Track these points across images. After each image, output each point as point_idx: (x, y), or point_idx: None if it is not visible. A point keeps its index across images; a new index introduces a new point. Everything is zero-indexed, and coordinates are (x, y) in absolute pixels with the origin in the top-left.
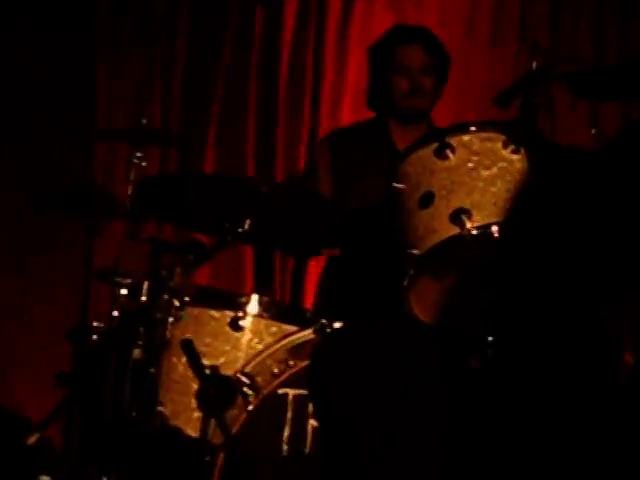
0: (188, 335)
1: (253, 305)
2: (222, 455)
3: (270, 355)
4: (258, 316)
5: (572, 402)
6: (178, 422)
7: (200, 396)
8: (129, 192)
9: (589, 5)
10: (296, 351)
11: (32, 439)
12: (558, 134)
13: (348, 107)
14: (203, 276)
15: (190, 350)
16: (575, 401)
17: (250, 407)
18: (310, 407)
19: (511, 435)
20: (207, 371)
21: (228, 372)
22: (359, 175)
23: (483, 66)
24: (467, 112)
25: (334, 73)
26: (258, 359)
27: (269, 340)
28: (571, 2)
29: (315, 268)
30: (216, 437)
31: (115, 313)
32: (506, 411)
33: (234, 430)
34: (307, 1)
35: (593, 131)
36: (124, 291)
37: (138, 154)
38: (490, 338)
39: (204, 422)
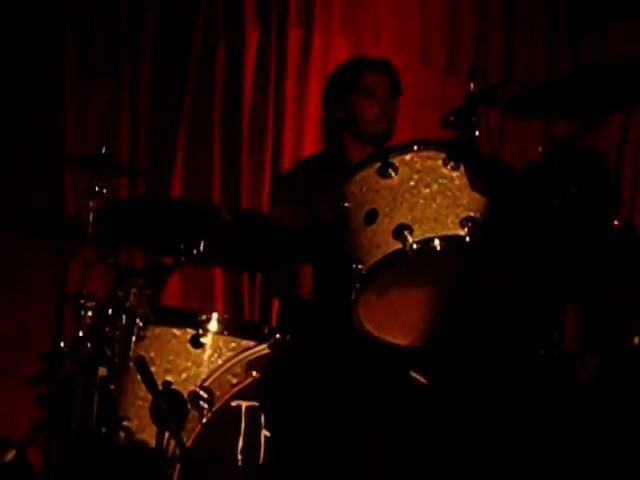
0: (152, 353)
1: (213, 323)
2: (178, 467)
3: (228, 369)
4: (218, 333)
5: (526, 411)
6: (144, 435)
7: (153, 410)
8: (90, 219)
9: (542, 28)
10: (253, 365)
11: (9, 456)
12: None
13: (310, 137)
14: (173, 297)
15: (142, 367)
16: (529, 410)
17: (204, 420)
18: (263, 418)
19: (463, 449)
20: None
21: (190, 387)
22: (318, 201)
23: (438, 93)
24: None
25: (295, 104)
26: (217, 373)
27: (228, 355)
28: (524, 27)
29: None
30: (175, 449)
31: (80, 334)
32: (458, 425)
33: (189, 442)
34: (267, 35)
35: (540, 148)
36: (89, 313)
37: (97, 182)
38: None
39: (159, 435)
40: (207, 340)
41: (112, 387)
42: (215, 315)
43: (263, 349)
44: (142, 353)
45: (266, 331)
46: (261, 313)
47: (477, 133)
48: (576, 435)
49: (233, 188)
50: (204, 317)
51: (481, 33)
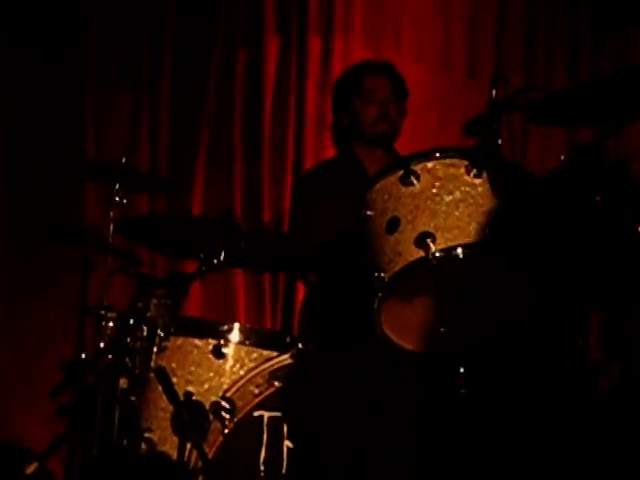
0: (173, 364)
1: (235, 333)
2: (201, 479)
3: (250, 379)
4: (240, 343)
5: (550, 421)
6: (166, 447)
7: (174, 421)
8: (111, 230)
9: (563, 35)
10: (275, 375)
11: (31, 468)
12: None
13: (331, 144)
14: (195, 307)
15: (163, 378)
16: (553, 420)
17: (226, 430)
18: (285, 428)
19: (485, 457)
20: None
21: (212, 398)
22: (337, 203)
23: (460, 99)
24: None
25: (316, 112)
26: (239, 384)
27: (250, 365)
28: (545, 33)
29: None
30: (197, 461)
31: (102, 345)
32: (481, 433)
33: (212, 453)
34: (288, 42)
35: (562, 157)
36: (110, 323)
37: (118, 193)
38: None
39: (181, 447)
40: (229, 350)
41: (133, 398)
42: (237, 325)
43: (285, 359)
44: (163, 364)
45: (288, 341)
46: (284, 322)
47: (500, 141)
48: (596, 444)
49: (254, 197)
50: (226, 327)
51: (502, 38)
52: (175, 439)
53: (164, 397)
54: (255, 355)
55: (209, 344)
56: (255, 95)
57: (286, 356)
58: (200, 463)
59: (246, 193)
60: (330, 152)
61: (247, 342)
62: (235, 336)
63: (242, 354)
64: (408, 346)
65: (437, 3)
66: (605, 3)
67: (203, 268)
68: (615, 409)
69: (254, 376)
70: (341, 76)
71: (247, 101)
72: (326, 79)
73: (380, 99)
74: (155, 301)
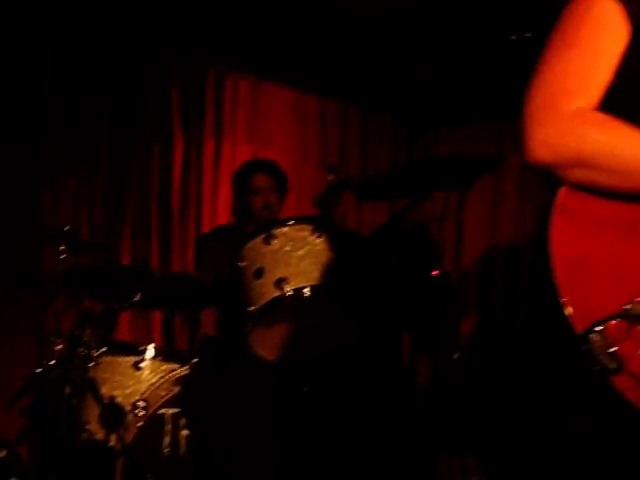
0: (105, 375)
1: (150, 351)
2: (122, 458)
3: (160, 385)
4: (153, 359)
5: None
6: (99, 436)
7: (101, 417)
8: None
9: (387, 135)
10: (177, 381)
11: (2, 453)
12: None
13: (222, 214)
14: (124, 334)
15: (92, 386)
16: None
17: (140, 423)
18: (183, 421)
19: (328, 438)
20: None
21: (132, 399)
22: (223, 259)
23: (313, 182)
24: None
25: (211, 195)
26: (152, 389)
27: (160, 375)
28: (374, 134)
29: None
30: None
31: (52, 362)
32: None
33: (129, 439)
34: (189, 143)
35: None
36: (59, 347)
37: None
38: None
39: (106, 435)
40: (145, 364)
41: (74, 401)
42: (151, 345)
43: (185, 370)
44: (97, 375)
45: (187, 356)
46: (189, 342)
47: (336, 211)
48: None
49: (166, 252)
50: (143, 347)
51: (343, 139)
52: (104, 430)
53: None
54: (164, 367)
55: (130, 360)
56: (167, 182)
57: (185, 367)
58: (121, 446)
59: (160, 250)
60: (222, 219)
61: (159, 357)
62: (150, 353)
63: (155, 366)
64: (271, 357)
65: (295, 116)
66: (416, 112)
67: (125, 305)
68: (430, 399)
69: (162, 383)
70: (239, 170)
71: (161, 186)
72: (218, 171)
73: (264, 193)
74: (89, 330)
